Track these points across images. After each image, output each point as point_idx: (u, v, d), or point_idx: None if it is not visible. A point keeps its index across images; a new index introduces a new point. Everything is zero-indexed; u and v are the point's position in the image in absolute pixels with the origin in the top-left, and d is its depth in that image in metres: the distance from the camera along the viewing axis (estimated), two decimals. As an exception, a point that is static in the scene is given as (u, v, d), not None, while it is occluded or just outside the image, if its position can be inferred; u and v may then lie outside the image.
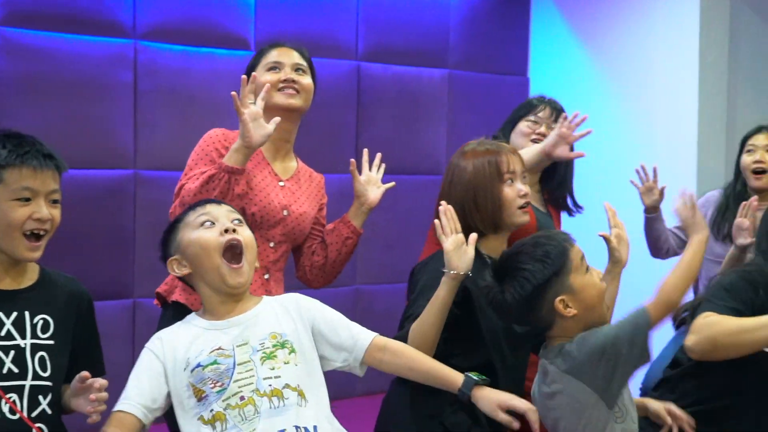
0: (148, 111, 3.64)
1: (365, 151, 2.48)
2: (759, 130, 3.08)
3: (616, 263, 2.13)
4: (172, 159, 3.66)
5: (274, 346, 1.87)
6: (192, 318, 1.97)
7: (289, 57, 2.38)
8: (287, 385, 1.82)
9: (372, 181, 2.44)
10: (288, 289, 2.34)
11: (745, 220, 2.63)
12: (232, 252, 1.90)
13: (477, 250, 2.09)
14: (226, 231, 1.90)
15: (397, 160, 4.10)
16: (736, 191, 3.06)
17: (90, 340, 1.97)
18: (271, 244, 2.34)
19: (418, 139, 4.26)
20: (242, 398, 1.79)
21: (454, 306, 2.02)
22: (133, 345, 3.51)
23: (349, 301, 4.10)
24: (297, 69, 2.37)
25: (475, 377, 1.91)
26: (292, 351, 1.89)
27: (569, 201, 2.82)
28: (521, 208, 2.17)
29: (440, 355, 2.02)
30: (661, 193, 3.07)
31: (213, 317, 1.92)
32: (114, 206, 3.59)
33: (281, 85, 2.33)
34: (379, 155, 2.48)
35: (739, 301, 1.96)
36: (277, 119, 2.23)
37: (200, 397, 1.81)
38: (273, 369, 1.83)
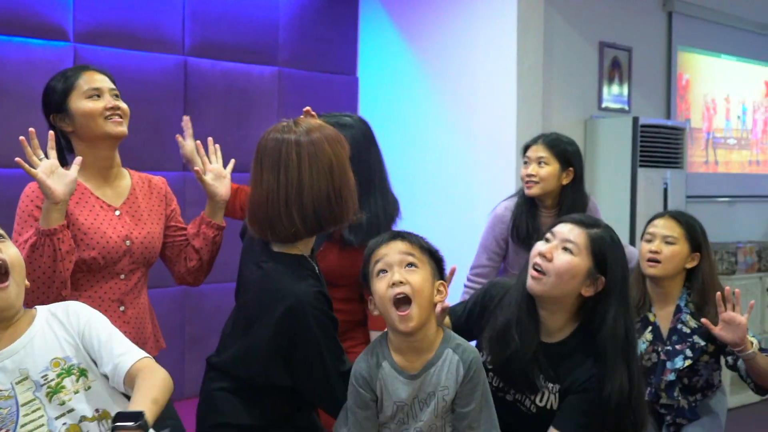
0: (-45, 102, 3.39)
1: (198, 143, 2.46)
2: (535, 141, 3.19)
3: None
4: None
5: (59, 375, 1.70)
6: None
7: (105, 82, 2.30)
8: (84, 418, 1.68)
9: (217, 174, 2.42)
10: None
11: None
12: None
13: (305, 259, 2.02)
14: None
15: (227, 157, 4.03)
16: (524, 198, 3.18)
17: None
18: (122, 276, 2.26)
19: (248, 136, 4.21)
20: None
21: None
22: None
23: (178, 302, 4.00)
24: (114, 94, 2.31)
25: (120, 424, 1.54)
26: (82, 374, 1.73)
27: None
28: None
29: None
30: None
31: None
32: None
33: (108, 113, 2.25)
34: (210, 140, 2.46)
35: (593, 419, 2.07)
36: (79, 159, 2.14)
37: None
38: (63, 404, 1.67)
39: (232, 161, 2.48)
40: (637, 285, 2.68)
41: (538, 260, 2.09)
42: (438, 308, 1.99)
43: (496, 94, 4.33)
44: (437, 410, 1.91)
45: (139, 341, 2.26)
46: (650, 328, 2.64)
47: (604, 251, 2.07)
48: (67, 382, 1.70)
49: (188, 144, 2.57)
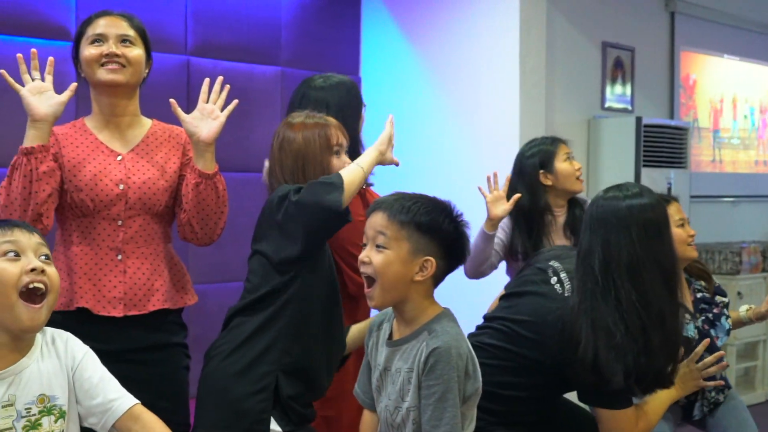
0: (-43, 102, 3.39)
1: (206, 80, 2.31)
2: (561, 141, 3.17)
3: None
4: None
5: (40, 412, 1.68)
6: None
7: (116, 27, 2.25)
8: None
9: (206, 113, 2.24)
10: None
11: None
12: (33, 295, 1.69)
13: None
14: (33, 270, 1.68)
15: (228, 157, 4.03)
16: (541, 206, 3.08)
17: None
18: (119, 223, 2.20)
19: (250, 136, 4.21)
20: None
21: None
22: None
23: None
24: (123, 40, 2.25)
25: None
26: (60, 417, 1.71)
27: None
28: None
29: None
30: (513, 203, 2.97)
31: None
32: None
33: (104, 59, 2.22)
34: (220, 79, 2.32)
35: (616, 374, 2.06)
36: (74, 86, 2.16)
37: None
38: None
39: (235, 102, 2.31)
40: None
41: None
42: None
43: (499, 94, 4.32)
44: (402, 391, 1.86)
45: (139, 293, 2.22)
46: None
47: None
48: (45, 421, 1.69)
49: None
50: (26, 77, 2.12)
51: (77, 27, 3.60)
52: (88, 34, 2.26)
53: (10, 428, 1.64)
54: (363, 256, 1.89)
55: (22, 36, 3.51)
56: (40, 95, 2.10)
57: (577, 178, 3.11)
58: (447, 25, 4.51)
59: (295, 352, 2.03)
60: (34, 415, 1.67)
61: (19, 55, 2.13)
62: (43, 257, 1.74)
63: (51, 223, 2.15)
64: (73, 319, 2.11)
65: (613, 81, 5.11)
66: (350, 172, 2.08)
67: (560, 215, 3.13)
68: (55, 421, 1.69)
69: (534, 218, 3.06)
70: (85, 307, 2.16)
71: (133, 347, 2.22)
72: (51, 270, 1.73)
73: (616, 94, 5.14)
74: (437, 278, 1.92)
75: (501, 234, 3.12)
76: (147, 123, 2.36)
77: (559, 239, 3.08)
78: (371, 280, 1.88)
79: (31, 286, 1.68)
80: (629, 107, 5.22)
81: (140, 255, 2.23)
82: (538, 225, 3.05)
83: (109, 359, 2.11)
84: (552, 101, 4.63)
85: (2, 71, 2.08)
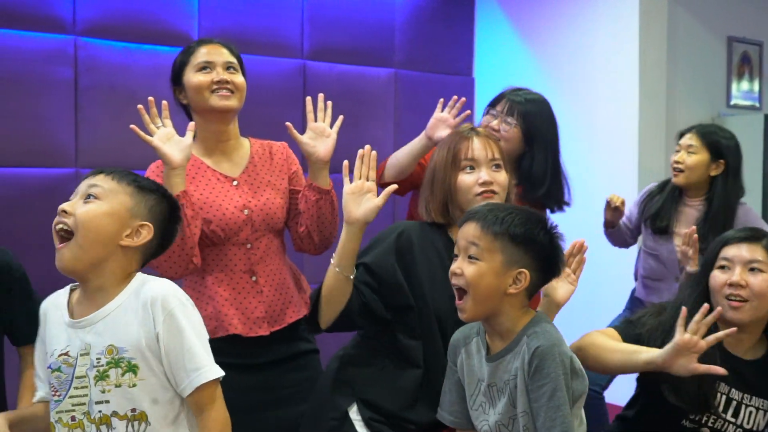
0: (89, 108, 3.57)
1: (308, 99, 2.33)
2: (689, 129, 3.16)
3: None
4: (114, 157, 3.60)
5: (108, 363, 1.64)
6: (62, 302, 1.74)
7: (220, 55, 2.30)
8: (115, 413, 1.64)
9: (319, 132, 2.28)
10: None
11: (688, 248, 2.68)
12: (59, 236, 1.68)
13: (449, 237, 2.12)
14: (63, 212, 1.69)
15: (343, 158, 4.09)
16: (667, 186, 3.23)
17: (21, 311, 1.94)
18: (248, 246, 2.28)
19: (365, 138, 4.23)
20: (73, 419, 1.64)
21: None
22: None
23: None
24: (228, 67, 2.30)
25: None
26: (129, 370, 1.64)
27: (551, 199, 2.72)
28: (480, 195, 2.06)
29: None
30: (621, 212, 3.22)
31: (72, 312, 1.72)
32: (55, 205, 3.50)
33: (215, 86, 2.26)
34: (321, 96, 2.33)
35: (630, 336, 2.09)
36: (192, 125, 2.20)
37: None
38: (104, 392, 1.64)
39: (341, 118, 2.32)
40: None
41: (732, 291, 2.03)
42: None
43: (617, 92, 4.22)
44: (512, 398, 1.80)
45: (277, 309, 2.30)
46: None
47: None
48: (113, 373, 1.64)
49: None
50: (152, 127, 2.16)
51: (198, 35, 3.76)
52: (193, 62, 2.30)
53: (84, 376, 1.65)
54: (455, 267, 1.83)
55: (149, 44, 3.67)
56: (170, 141, 2.14)
57: (673, 169, 3.13)
58: (562, 22, 4.43)
59: (380, 398, 2.06)
60: (103, 365, 1.64)
61: (140, 106, 2.17)
62: (89, 197, 1.71)
63: (199, 261, 2.23)
64: (225, 343, 2.19)
65: (740, 77, 4.90)
66: (325, 281, 2.03)
67: (692, 207, 3.10)
68: (122, 375, 1.64)
69: (665, 193, 3.18)
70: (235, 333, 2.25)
71: (277, 358, 2.32)
72: (80, 210, 1.69)
73: (743, 90, 4.92)
74: (531, 291, 1.86)
75: (635, 209, 3.31)
76: (246, 143, 2.42)
77: (682, 228, 3.01)
78: (462, 292, 1.82)
79: (55, 228, 1.69)
80: (757, 104, 4.99)
81: (269, 273, 2.31)
82: (661, 201, 3.16)
83: (258, 370, 2.26)
84: (674, 98, 4.47)
85: (133, 126, 2.12)
